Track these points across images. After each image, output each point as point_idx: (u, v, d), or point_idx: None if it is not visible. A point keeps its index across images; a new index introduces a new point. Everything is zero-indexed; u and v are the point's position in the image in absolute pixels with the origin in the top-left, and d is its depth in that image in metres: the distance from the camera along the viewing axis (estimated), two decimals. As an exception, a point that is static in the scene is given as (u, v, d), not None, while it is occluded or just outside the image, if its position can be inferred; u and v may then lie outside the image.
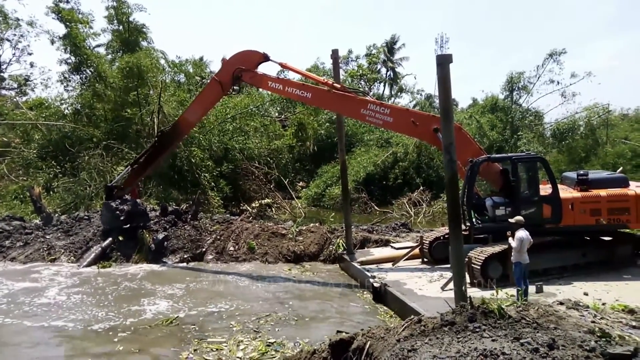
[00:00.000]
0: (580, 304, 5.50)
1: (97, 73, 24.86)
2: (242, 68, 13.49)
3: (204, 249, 15.41)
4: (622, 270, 10.97)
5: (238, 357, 7.97)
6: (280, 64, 13.99)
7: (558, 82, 32.33)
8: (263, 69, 13.97)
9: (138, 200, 16.40)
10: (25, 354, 8.50)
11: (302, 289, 12.08)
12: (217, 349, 8.34)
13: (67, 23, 24.44)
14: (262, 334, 8.92)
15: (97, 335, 9.21)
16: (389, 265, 12.92)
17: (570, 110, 33.26)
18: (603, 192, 11.03)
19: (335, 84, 13.20)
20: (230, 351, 8.22)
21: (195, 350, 8.27)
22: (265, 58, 13.65)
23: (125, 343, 8.75)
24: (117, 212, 15.27)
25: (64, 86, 27.54)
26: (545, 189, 11.32)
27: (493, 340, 4.26)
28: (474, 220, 11.41)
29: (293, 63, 13.97)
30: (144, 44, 28.81)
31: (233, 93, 13.94)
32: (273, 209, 24.42)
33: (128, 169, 16.00)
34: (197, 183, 22.51)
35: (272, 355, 8.00)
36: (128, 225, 15.45)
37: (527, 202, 11.06)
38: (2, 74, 40.73)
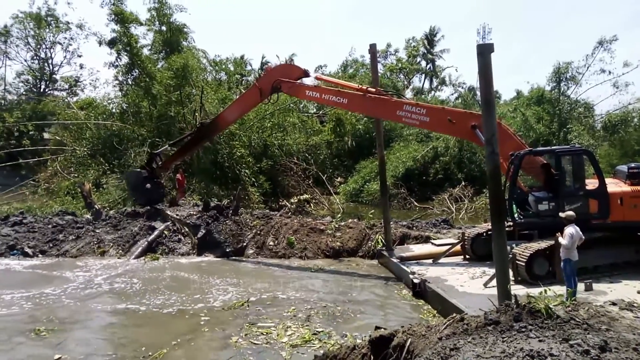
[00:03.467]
0: (635, 304, 5.22)
1: (146, 74, 25.67)
2: (282, 80, 13.89)
3: (244, 244, 15.69)
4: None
5: (283, 342, 8.26)
6: (316, 77, 14.53)
7: (609, 72, 30.66)
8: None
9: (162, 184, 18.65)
10: (111, 333, 9.13)
11: (345, 285, 12.12)
12: (266, 333, 8.68)
13: (125, 25, 25.29)
14: (310, 323, 9.14)
15: (173, 317, 9.79)
16: (429, 261, 12.73)
17: (623, 101, 31.43)
18: (656, 186, 10.39)
19: (369, 89, 13.17)
20: (278, 335, 8.55)
21: (246, 335, 8.65)
22: (305, 74, 14.10)
23: (206, 324, 9.29)
24: (140, 178, 17.03)
25: (119, 88, 28.64)
26: (593, 183, 10.81)
27: (540, 341, 4.11)
28: (516, 215, 11.06)
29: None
30: (185, 43, 29.54)
31: (269, 102, 14.66)
32: (311, 205, 24.55)
33: (166, 147, 17.87)
34: (238, 179, 22.93)
35: (313, 344, 8.17)
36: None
37: (571, 197, 10.59)
38: (54, 76, 42.97)
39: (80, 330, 9.15)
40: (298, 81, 14.03)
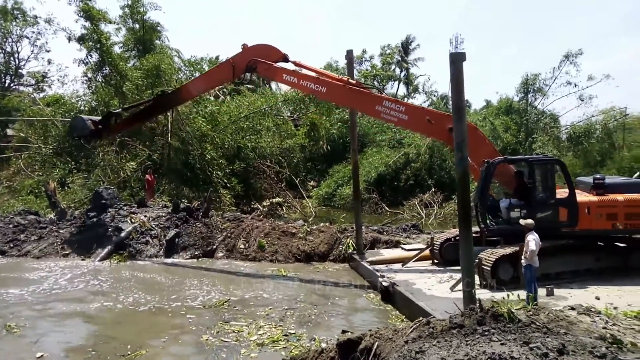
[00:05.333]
0: (592, 309, 5.42)
1: (117, 72, 25.01)
2: (258, 59, 13.27)
3: (214, 246, 15.51)
4: (636, 276, 10.75)
5: (252, 340, 8.33)
6: (295, 63, 13.72)
7: (575, 85, 31.74)
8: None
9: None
10: (87, 331, 9.01)
11: (315, 288, 12.14)
12: (238, 331, 8.77)
13: (95, 23, 24.57)
14: (284, 324, 9.20)
15: (151, 314, 9.77)
16: (398, 265, 12.88)
17: (587, 113, 32.61)
18: (620, 197, 10.85)
19: (350, 80, 12.96)
20: (248, 334, 8.65)
21: (217, 332, 8.72)
22: (285, 59, 13.52)
23: (182, 324, 9.29)
24: (85, 129, 15.29)
25: (89, 85, 27.79)
26: (560, 192, 11.18)
27: (502, 344, 4.22)
28: (487, 222, 11.30)
29: (307, 61, 13.83)
30: (158, 42, 29.01)
31: (244, 81, 13.42)
32: (284, 208, 24.46)
33: (120, 111, 16.41)
34: (209, 181, 22.62)
35: (280, 344, 8.23)
36: None
37: (542, 205, 10.93)
38: (20, 71, 41.46)
39: (56, 328, 9.00)
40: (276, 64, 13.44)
